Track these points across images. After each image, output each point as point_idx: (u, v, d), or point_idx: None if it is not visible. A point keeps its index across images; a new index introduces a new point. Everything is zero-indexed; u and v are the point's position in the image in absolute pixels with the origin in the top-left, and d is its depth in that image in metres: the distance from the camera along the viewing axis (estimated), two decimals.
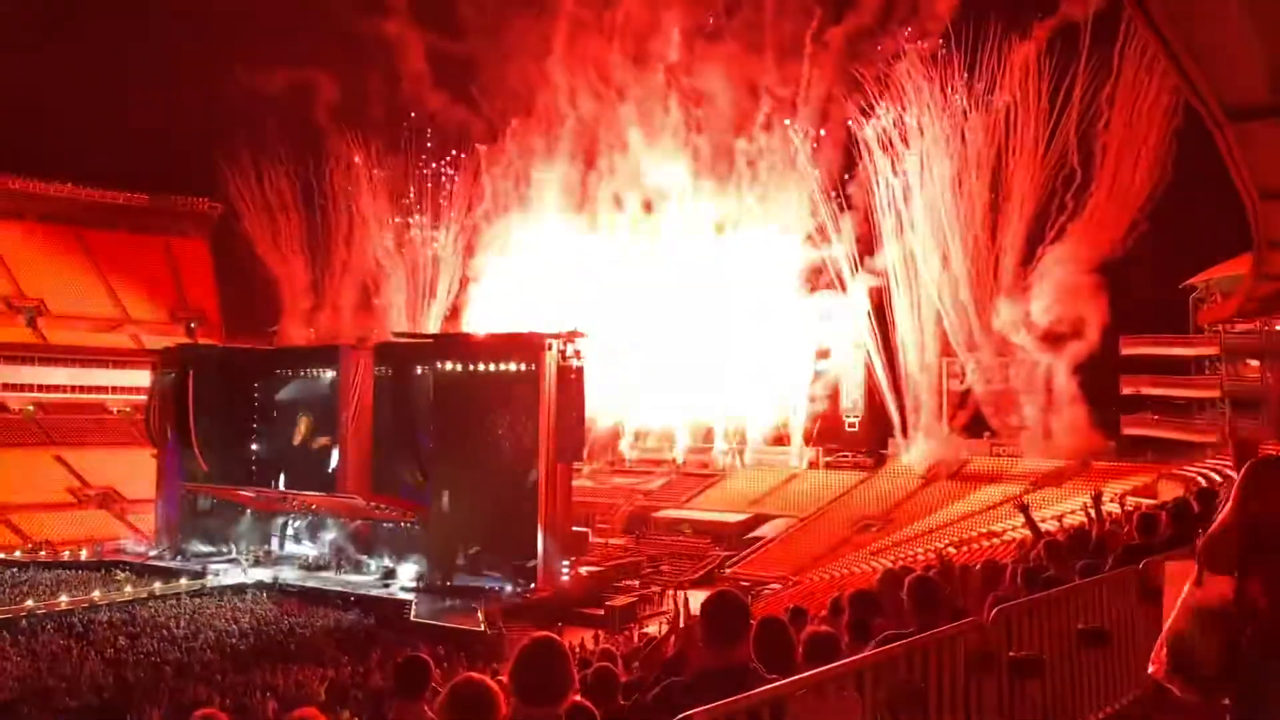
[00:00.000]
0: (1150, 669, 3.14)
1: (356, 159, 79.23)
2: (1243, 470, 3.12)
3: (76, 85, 78.72)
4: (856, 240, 64.87)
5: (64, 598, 40.53)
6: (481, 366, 47.02)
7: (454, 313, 76.90)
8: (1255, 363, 47.51)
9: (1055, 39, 56.72)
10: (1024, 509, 14.05)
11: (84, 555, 52.16)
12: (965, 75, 59.87)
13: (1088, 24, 54.36)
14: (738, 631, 3.78)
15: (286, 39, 76.02)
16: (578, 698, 3.55)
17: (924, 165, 61.28)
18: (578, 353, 47.04)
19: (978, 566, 9.70)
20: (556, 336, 47.23)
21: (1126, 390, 53.00)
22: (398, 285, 78.59)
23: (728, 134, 68.42)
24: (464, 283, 77.11)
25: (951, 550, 29.83)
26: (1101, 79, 54.94)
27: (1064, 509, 33.41)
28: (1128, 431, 53.77)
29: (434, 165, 79.61)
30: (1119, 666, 5.36)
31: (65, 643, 33.47)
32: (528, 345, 46.62)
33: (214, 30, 79.06)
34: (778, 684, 3.38)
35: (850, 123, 64.43)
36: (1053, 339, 55.22)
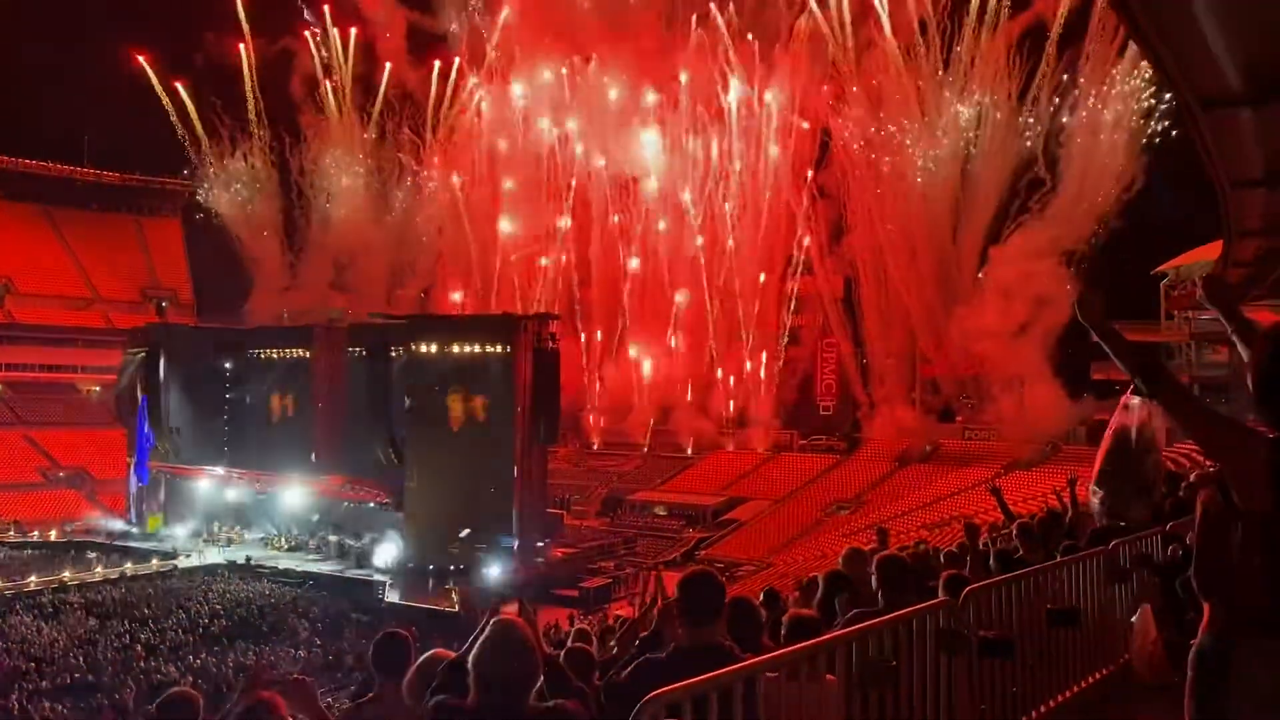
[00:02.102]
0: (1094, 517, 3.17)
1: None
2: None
3: (41, 60, 77.65)
4: (829, 225, 65.58)
5: (33, 578, 40.20)
6: (456, 348, 46.81)
7: (429, 293, 76.56)
8: (1224, 349, 48.07)
9: (1026, 38, 57.43)
10: (996, 492, 14.17)
11: (54, 535, 51.69)
12: (940, 70, 60.36)
13: (1058, 21, 55.06)
14: (714, 610, 3.81)
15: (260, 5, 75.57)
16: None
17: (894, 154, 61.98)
18: (553, 335, 47.00)
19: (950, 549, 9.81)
20: (532, 318, 47.18)
21: (1098, 376, 53.49)
22: (373, 266, 78.03)
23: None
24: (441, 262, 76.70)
25: (925, 533, 30.12)
26: (1071, 78, 55.83)
27: (1034, 493, 33.71)
28: (1099, 417, 54.28)
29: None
30: (1088, 646, 5.45)
31: (35, 623, 33.22)
32: (503, 327, 46.51)
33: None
34: (752, 661, 3.41)
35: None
36: (1019, 329, 55.69)
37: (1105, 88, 54.95)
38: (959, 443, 59.13)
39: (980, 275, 58.12)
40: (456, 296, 73.53)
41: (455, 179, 75.93)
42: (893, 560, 5.27)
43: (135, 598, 37.26)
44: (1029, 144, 57.69)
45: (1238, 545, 2.68)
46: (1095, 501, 3.57)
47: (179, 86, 78.19)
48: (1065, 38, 56.18)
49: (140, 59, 76.64)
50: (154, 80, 77.03)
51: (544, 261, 72.44)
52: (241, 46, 77.16)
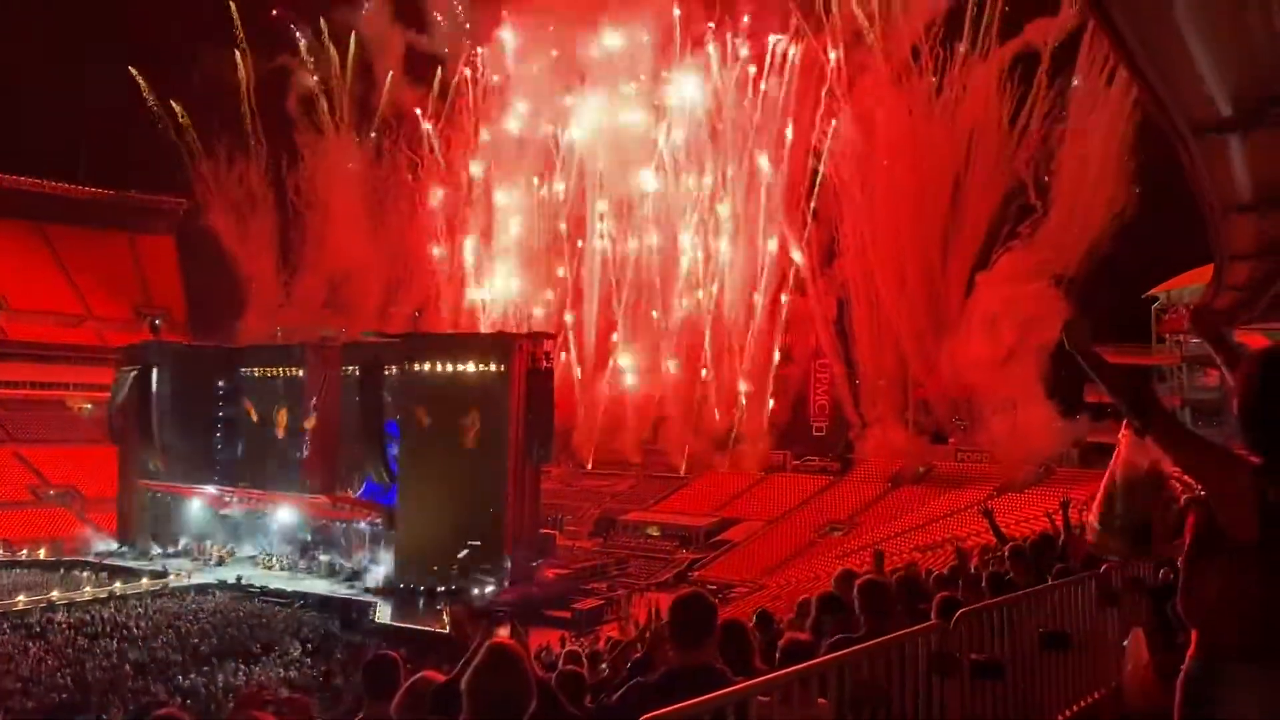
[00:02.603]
0: (1087, 535, 3.17)
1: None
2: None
3: (38, 76, 77.71)
4: (821, 248, 65.93)
5: (22, 597, 39.89)
6: (450, 367, 46.77)
7: (424, 311, 76.56)
8: (1215, 373, 48.25)
9: (1017, 63, 58.06)
10: (988, 514, 14.21)
11: (43, 554, 51.38)
12: (935, 94, 60.93)
13: (1048, 49, 55.73)
14: (705, 632, 3.81)
15: (256, 26, 75.87)
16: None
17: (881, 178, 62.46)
18: (548, 354, 47.02)
19: (942, 572, 9.81)
20: (527, 337, 47.21)
21: (1090, 399, 53.63)
22: (369, 282, 78.05)
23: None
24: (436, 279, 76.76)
25: (917, 555, 30.08)
26: (1060, 105, 56.45)
27: (1027, 515, 33.72)
28: (1092, 439, 54.37)
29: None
30: (1079, 669, 5.45)
31: (23, 643, 32.96)
32: (498, 346, 46.52)
33: (181, 18, 78.25)
34: (744, 685, 3.41)
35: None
36: (1008, 355, 55.89)
37: (1094, 114, 55.45)
38: (952, 464, 59.15)
39: (967, 304, 58.46)
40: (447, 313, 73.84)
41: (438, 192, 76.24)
42: (874, 584, 5.29)
43: (124, 617, 36.99)
44: (1019, 169, 58.21)
45: (1224, 572, 2.68)
46: (1095, 537, 3.56)
47: (174, 104, 78.49)
48: (1056, 65, 56.91)
49: (136, 76, 76.89)
50: (149, 96, 77.27)
51: (537, 311, 72.71)
52: (238, 64, 77.54)
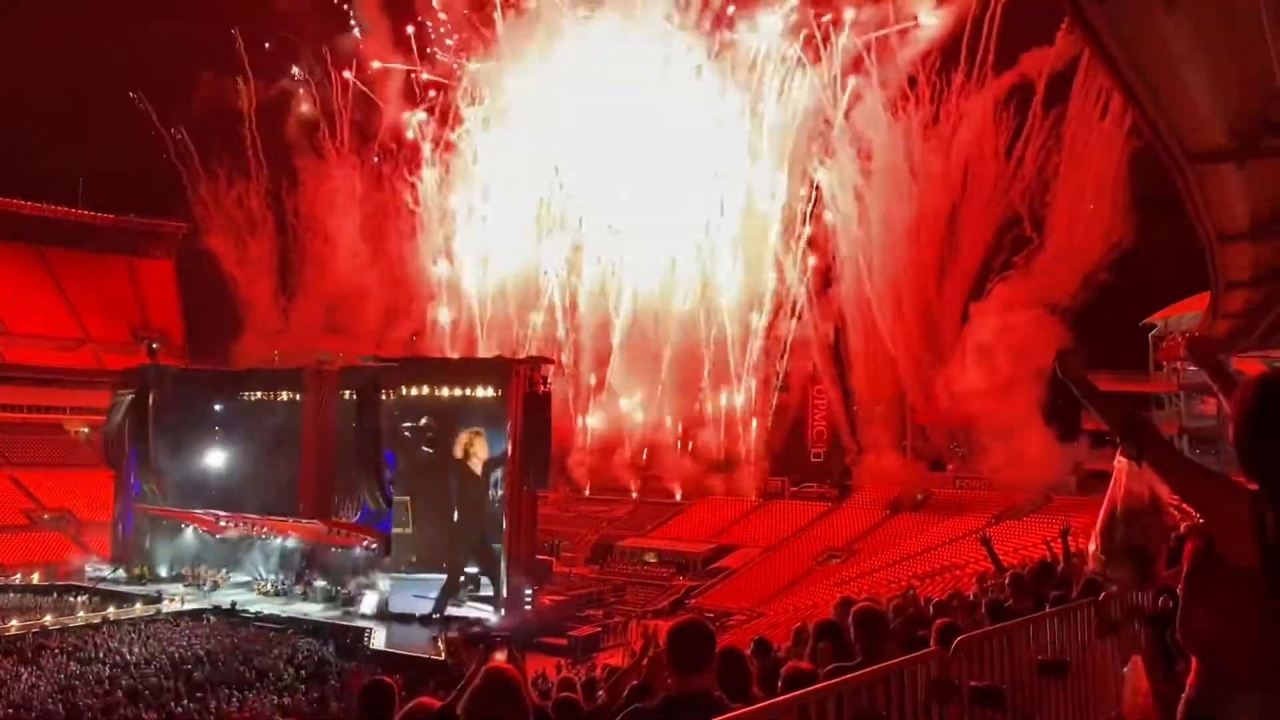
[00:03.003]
0: (1089, 563, 3.15)
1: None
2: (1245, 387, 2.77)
3: (39, 100, 78.24)
4: (819, 274, 66.32)
5: (14, 622, 39.63)
6: (448, 391, 46.69)
7: (421, 335, 76.56)
8: (1213, 401, 48.31)
9: (1013, 94, 58.67)
10: (986, 543, 14.18)
11: (36, 578, 51.10)
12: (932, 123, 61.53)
13: (1043, 79, 56.35)
14: (703, 659, 3.79)
15: (257, 51, 76.38)
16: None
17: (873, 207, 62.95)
18: (546, 379, 46.97)
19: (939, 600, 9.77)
20: (525, 362, 47.19)
21: (1088, 425, 53.67)
22: (366, 306, 78.15)
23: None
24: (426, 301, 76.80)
25: (915, 582, 29.96)
26: (1056, 135, 57.08)
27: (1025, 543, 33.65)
28: (1090, 466, 54.36)
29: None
30: (1079, 697, 5.42)
31: (15, 668, 32.71)
32: (495, 371, 46.47)
33: (181, 43, 78.82)
34: (741, 711, 3.39)
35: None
36: (1005, 385, 56.07)
37: (1090, 144, 55.95)
38: (950, 491, 59.09)
39: (962, 333, 58.81)
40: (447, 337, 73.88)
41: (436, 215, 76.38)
42: (870, 611, 5.27)
43: (117, 642, 36.74)
44: (1014, 200, 58.76)
45: (1223, 599, 2.67)
46: (1097, 564, 3.54)
47: (175, 128, 78.98)
48: (1051, 96, 57.49)
49: (139, 98, 77.40)
50: (153, 118, 77.65)
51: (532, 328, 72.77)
52: (240, 88, 77.99)
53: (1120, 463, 3.27)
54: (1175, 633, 3.29)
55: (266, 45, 76.79)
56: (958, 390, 56.69)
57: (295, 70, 77.65)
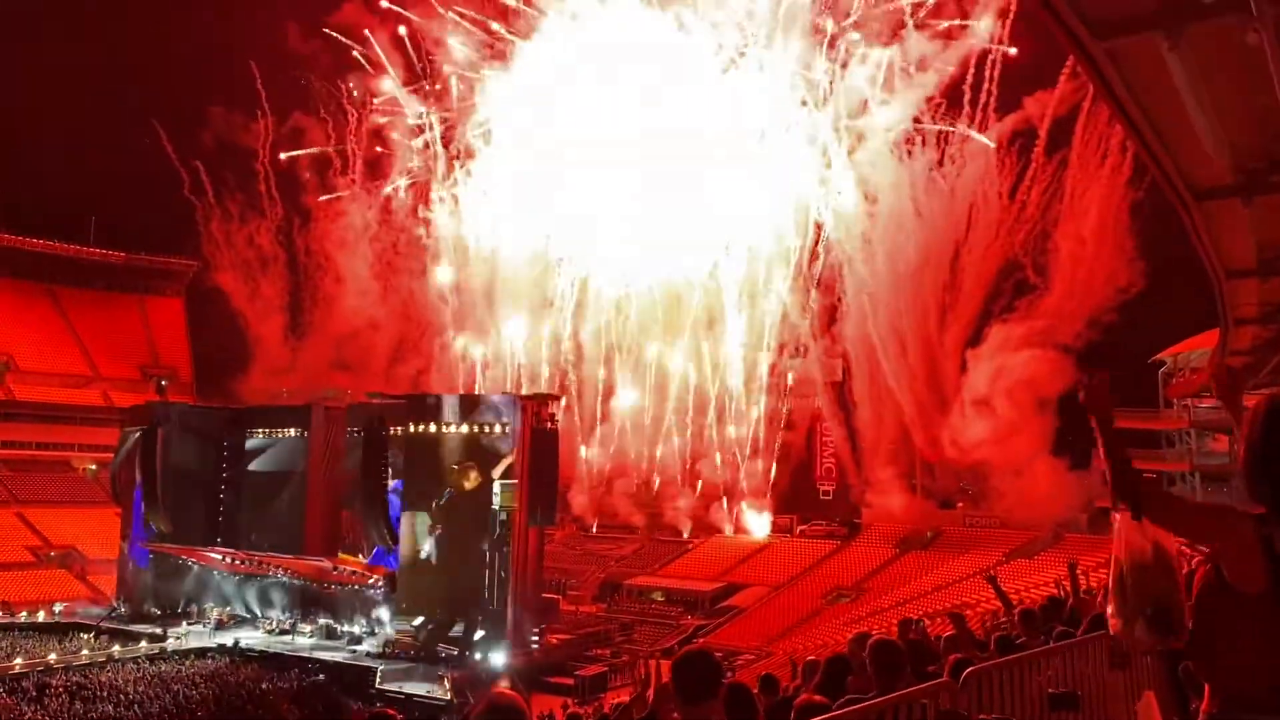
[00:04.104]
0: (1110, 629, 3.11)
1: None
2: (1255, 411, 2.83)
3: (50, 139, 79.20)
4: (825, 311, 66.61)
5: (19, 660, 39.46)
6: (455, 428, 46.65)
7: (426, 370, 76.56)
8: (1224, 439, 48.00)
9: (1016, 138, 59.39)
10: (993, 581, 14.07)
11: (42, 616, 50.90)
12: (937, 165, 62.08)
13: (1046, 122, 57.06)
14: (709, 690, 3.77)
15: (272, 86, 77.26)
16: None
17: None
18: (553, 415, 46.94)
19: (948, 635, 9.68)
20: (532, 398, 47.17)
21: (1098, 464, 53.31)
22: (374, 343, 78.24)
23: None
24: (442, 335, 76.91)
25: (925, 621, 29.66)
26: (1059, 178, 57.73)
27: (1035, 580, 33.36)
28: (1100, 504, 54.00)
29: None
30: None
31: (18, 707, 32.54)
32: (502, 407, 46.46)
33: (196, 79, 79.80)
34: None
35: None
36: (1009, 429, 56.12)
37: (1092, 187, 56.55)
38: (960, 529, 58.69)
39: (961, 386, 59.09)
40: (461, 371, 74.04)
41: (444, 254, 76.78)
42: (886, 644, 5.22)
43: (122, 681, 36.54)
44: (1017, 245, 59.35)
45: (1236, 625, 2.67)
46: (1115, 629, 3.48)
47: (191, 162, 79.66)
48: (1053, 141, 58.16)
49: (157, 128, 78.09)
50: (169, 150, 78.31)
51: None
52: (253, 126, 78.73)
53: (1119, 517, 3.24)
54: (1188, 667, 3.27)
55: (274, 80, 77.64)
56: (963, 443, 56.93)
57: (309, 102, 78.31)
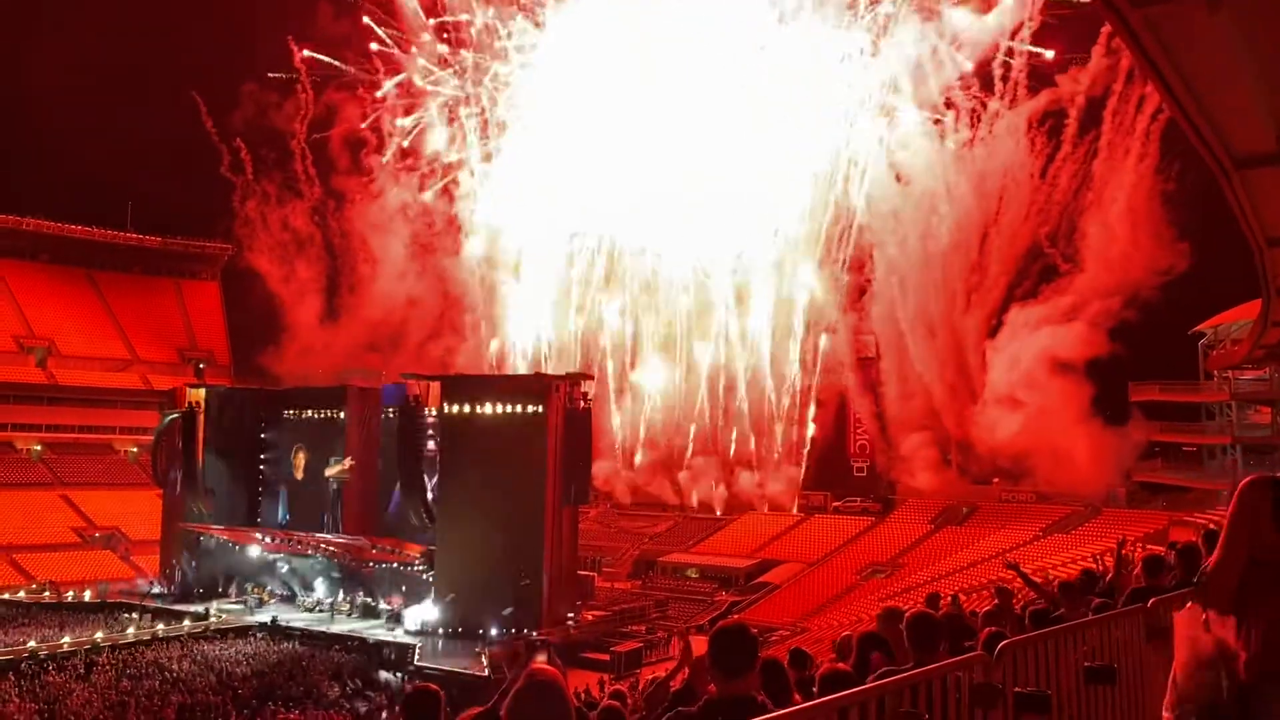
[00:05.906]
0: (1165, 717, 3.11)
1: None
2: (1235, 495, 3.07)
3: (89, 127, 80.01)
4: (854, 291, 66.46)
5: (67, 639, 40.31)
6: (489, 408, 46.89)
7: (462, 350, 76.96)
8: (1266, 411, 47.30)
9: (1047, 118, 58.86)
10: (1014, 567, 13.66)
11: (88, 596, 51.97)
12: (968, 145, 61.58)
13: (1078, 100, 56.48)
14: (745, 662, 3.78)
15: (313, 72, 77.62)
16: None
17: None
18: (585, 395, 47.05)
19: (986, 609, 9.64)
20: (564, 379, 47.31)
21: (1135, 397, 52.85)
22: (410, 323, 78.68)
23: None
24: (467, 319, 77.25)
25: (962, 596, 29.57)
26: (1091, 156, 57.12)
27: (1071, 556, 33.14)
28: (1139, 478, 53.50)
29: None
30: (1126, 705, 5.34)
31: (68, 685, 33.26)
32: (536, 387, 46.65)
33: (235, 59, 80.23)
34: (784, 712, 3.39)
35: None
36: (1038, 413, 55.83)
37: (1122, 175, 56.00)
38: (996, 505, 58.33)
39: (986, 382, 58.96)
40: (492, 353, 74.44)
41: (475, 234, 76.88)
42: (923, 618, 5.19)
43: (167, 659, 37.26)
44: (1048, 225, 58.94)
45: (1252, 593, 2.69)
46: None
47: (231, 141, 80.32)
48: (1086, 118, 57.46)
49: (197, 100, 78.75)
50: (209, 125, 78.94)
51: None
52: (291, 105, 79.14)
53: (1181, 618, 3.24)
54: None
55: (305, 56, 77.90)
56: (993, 440, 57.16)
57: (346, 78, 78.58)
